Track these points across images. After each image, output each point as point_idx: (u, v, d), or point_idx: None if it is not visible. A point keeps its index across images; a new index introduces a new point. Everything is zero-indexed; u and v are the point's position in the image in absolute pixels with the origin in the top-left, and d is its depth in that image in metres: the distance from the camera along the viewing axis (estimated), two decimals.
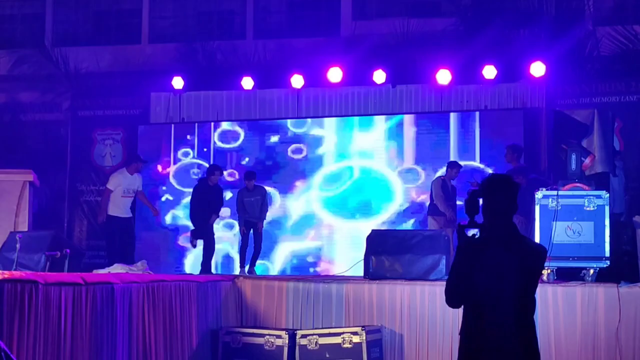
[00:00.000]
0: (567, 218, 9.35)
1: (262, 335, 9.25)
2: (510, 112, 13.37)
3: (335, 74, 13.83)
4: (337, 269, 12.89)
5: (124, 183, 12.05)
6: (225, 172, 13.48)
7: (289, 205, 14.10)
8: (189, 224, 13.03)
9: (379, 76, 13.69)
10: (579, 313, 8.74)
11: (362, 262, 10.15)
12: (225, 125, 14.54)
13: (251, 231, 12.48)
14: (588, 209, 9.36)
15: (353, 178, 14.01)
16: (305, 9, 17.98)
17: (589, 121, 10.40)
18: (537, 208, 9.44)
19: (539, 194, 9.50)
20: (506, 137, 12.67)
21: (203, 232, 12.40)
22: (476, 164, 13.29)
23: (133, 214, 12.55)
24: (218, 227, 13.39)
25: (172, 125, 14.66)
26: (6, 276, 5.99)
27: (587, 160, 10.09)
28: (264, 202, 12.57)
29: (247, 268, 12.31)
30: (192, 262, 13.98)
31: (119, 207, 12.01)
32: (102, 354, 7.04)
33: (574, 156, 9.97)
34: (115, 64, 16.77)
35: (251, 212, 12.44)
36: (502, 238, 4.73)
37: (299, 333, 9.21)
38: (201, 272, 12.12)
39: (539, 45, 13.54)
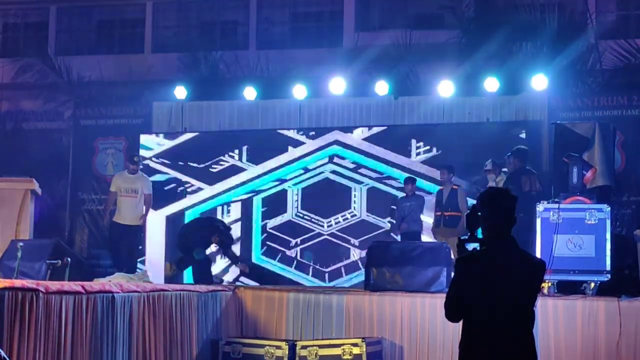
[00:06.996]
0: (568, 231, 9.31)
1: (262, 346, 9.23)
2: (512, 125, 13.34)
3: (337, 85, 13.82)
4: None
5: (122, 183, 12.26)
6: None
7: None
8: None
9: (381, 88, 13.67)
10: (580, 327, 8.73)
11: None
12: None
13: None
14: (589, 222, 9.34)
15: None
16: (308, 21, 18.06)
17: (590, 134, 10.39)
18: (538, 221, 9.42)
19: (540, 207, 9.49)
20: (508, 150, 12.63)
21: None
22: None
23: None
24: None
25: None
26: (7, 284, 5.98)
27: (589, 174, 10.08)
28: (417, 209, 12.22)
29: None
30: None
31: (120, 210, 12.19)
32: None
33: (575, 169, 9.96)
34: (118, 73, 16.83)
35: (406, 218, 12.12)
36: (502, 252, 4.73)
37: (299, 344, 9.19)
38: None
39: (541, 58, 13.55)
